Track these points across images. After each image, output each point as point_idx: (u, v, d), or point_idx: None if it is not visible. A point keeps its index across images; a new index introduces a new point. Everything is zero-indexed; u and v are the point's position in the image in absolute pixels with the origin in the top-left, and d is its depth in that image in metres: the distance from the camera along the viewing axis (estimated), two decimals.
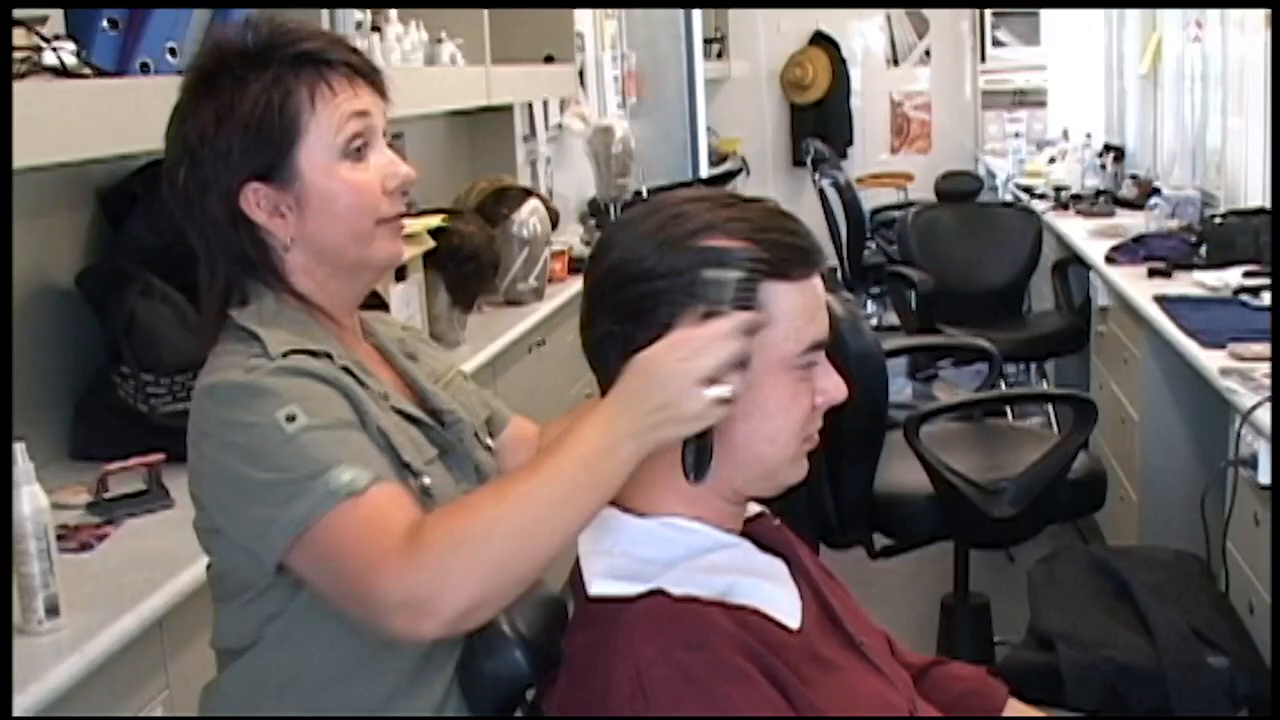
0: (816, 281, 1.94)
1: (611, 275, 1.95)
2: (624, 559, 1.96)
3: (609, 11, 9.18)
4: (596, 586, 1.95)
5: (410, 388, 2.26)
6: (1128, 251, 6.26)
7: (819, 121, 13.04)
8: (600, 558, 1.98)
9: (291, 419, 1.91)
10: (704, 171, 10.44)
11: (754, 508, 2.13)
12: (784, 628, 1.91)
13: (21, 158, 2.68)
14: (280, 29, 2.11)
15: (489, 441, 2.36)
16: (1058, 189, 8.78)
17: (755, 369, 1.88)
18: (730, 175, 10.65)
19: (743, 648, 1.83)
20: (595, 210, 7.70)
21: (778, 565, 2.02)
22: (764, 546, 2.07)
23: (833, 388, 1.95)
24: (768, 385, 1.91)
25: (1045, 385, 8.10)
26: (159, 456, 3.11)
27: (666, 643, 1.82)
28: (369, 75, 2.17)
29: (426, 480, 2.07)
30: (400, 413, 2.13)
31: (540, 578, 2.12)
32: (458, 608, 1.80)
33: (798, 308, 1.90)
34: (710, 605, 1.87)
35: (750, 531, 2.08)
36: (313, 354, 2.02)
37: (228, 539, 2.01)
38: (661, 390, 1.80)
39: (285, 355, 1.99)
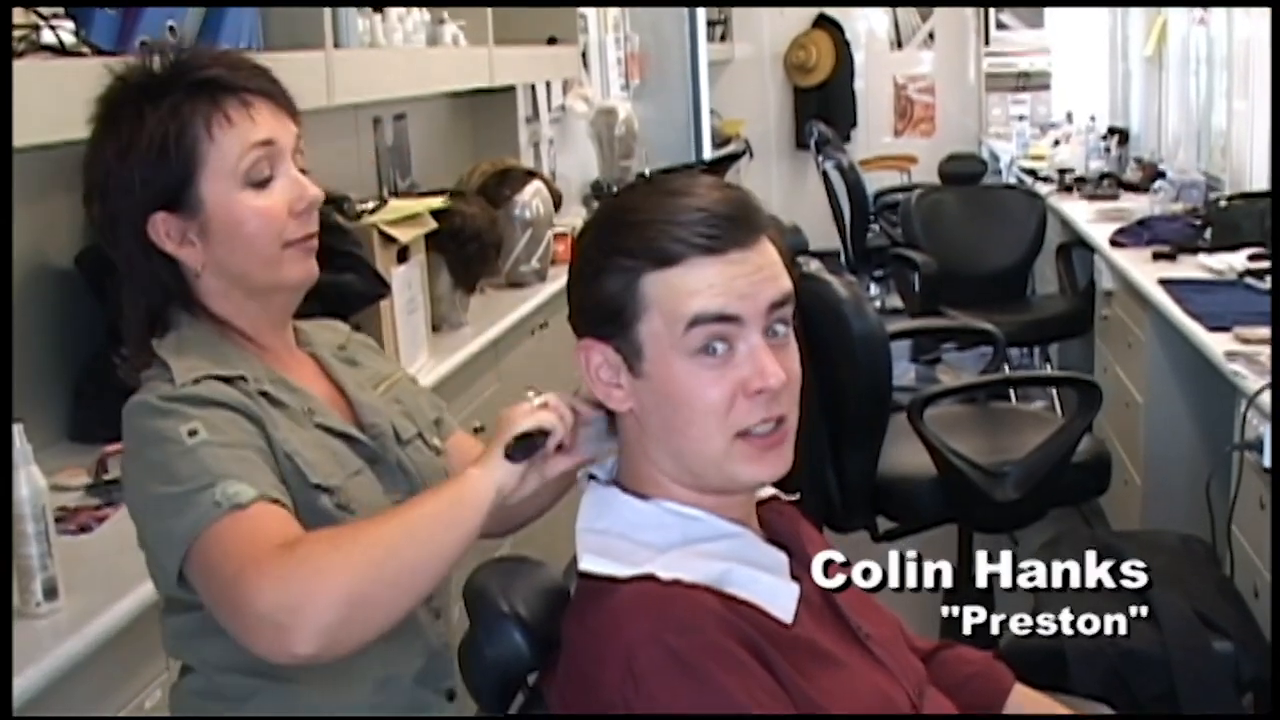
0: (707, 260, 1.89)
1: (569, 273, 2.04)
2: (619, 540, 1.96)
3: None
4: (586, 562, 1.95)
5: (345, 397, 2.26)
6: (1132, 235, 6.25)
7: (822, 104, 13.03)
8: (595, 536, 1.98)
9: (193, 433, 1.95)
10: (707, 154, 10.42)
11: (767, 490, 2.12)
12: (778, 622, 1.90)
13: (21, 137, 2.67)
14: (182, 57, 2.11)
15: (436, 443, 2.35)
16: (1062, 172, 8.76)
17: (649, 359, 1.92)
18: (733, 158, 10.61)
19: (735, 633, 1.82)
20: (598, 192, 7.69)
21: (778, 557, 1.99)
22: (771, 535, 2.05)
23: (752, 373, 1.89)
24: (663, 373, 1.92)
25: (1049, 369, 8.08)
26: None
27: (657, 626, 1.81)
28: (275, 98, 2.14)
29: (343, 497, 2.08)
30: (324, 427, 2.14)
31: (542, 560, 2.11)
32: (320, 626, 1.82)
33: (672, 291, 1.88)
34: (702, 590, 1.86)
35: (760, 515, 2.06)
36: (225, 379, 2.05)
37: (149, 552, 2.05)
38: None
39: (195, 382, 2.01)
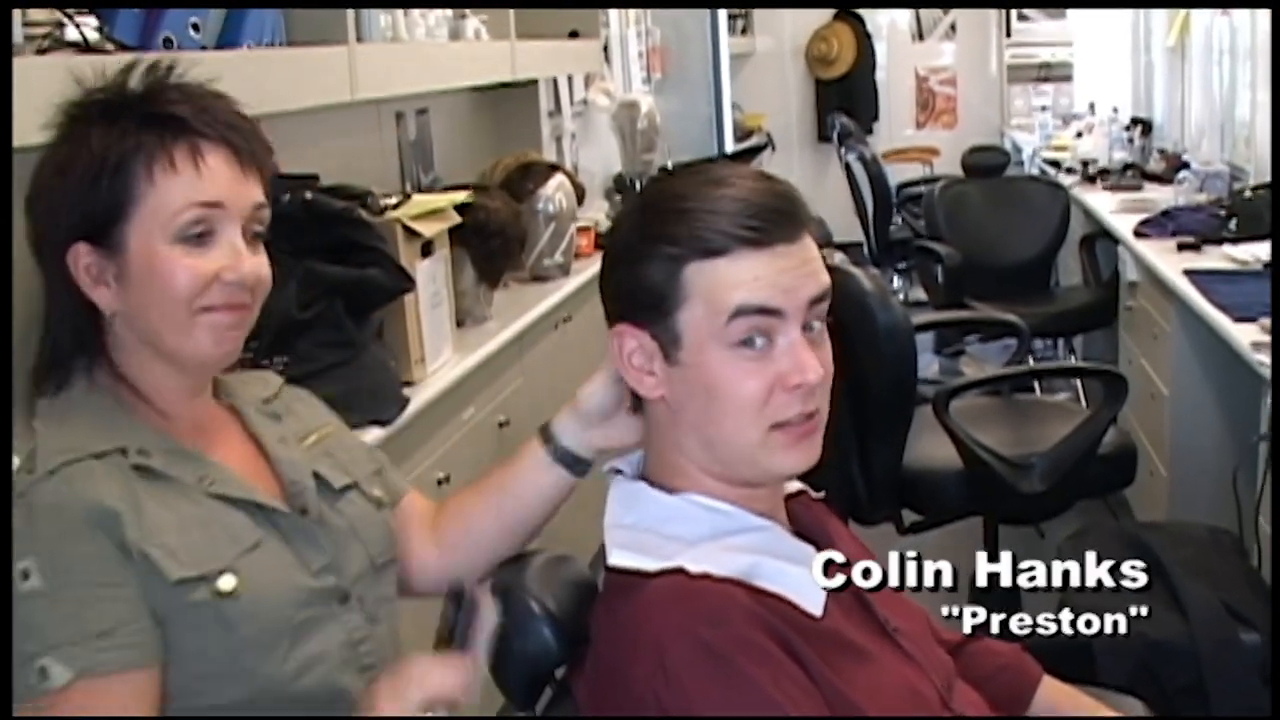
0: (754, 253, 1.89)
1: (606, 257, 2.05)
2: (647, 534, 1.97)
3: None
4: (615, 557, 1.96)
5: (265, 454, 2.12)
6: (1156, 226, 6.23)
7: (844, 96, 13.00)
8: (623, 531, 1.99)
9: (26, 575, 1.80)
10: (729, 147, 10.41)
11: (795, 484, 2.12)
12: (807, 615, 1.90)
13: (45, 135, 2.66)
14: (158, 83, 1.99)
15: (377, 493, 2.23)
16: (1085, 163, 8.73)
17: (687, 348, 1.93)
18: (755, 151, 10.61)
19: (764, 626, 1.83)
20: (621, 186, 7.68)
21: (806, 550, 1.99)
22: (799, 529, 2.05)
23: (791, 368, 1.90)
24: (701, 363, 1.92)
25: (1073, 360, 8.06)
26: None
27: (687, 619, 1.82)
28: (241, 154, 1.99)
29: (227, 582, 1.90)
30: (221, 497, 1.97)
31: (569, 554, 2.11)
32: None
33: (716, 281, 1.89)
34: (731, 584, 1.87)
35: (789, 509, 2.06)
36: (98, 456, 1.89)
37: None
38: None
39: (54, 471, 1.85)
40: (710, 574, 1.87)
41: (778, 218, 1.89)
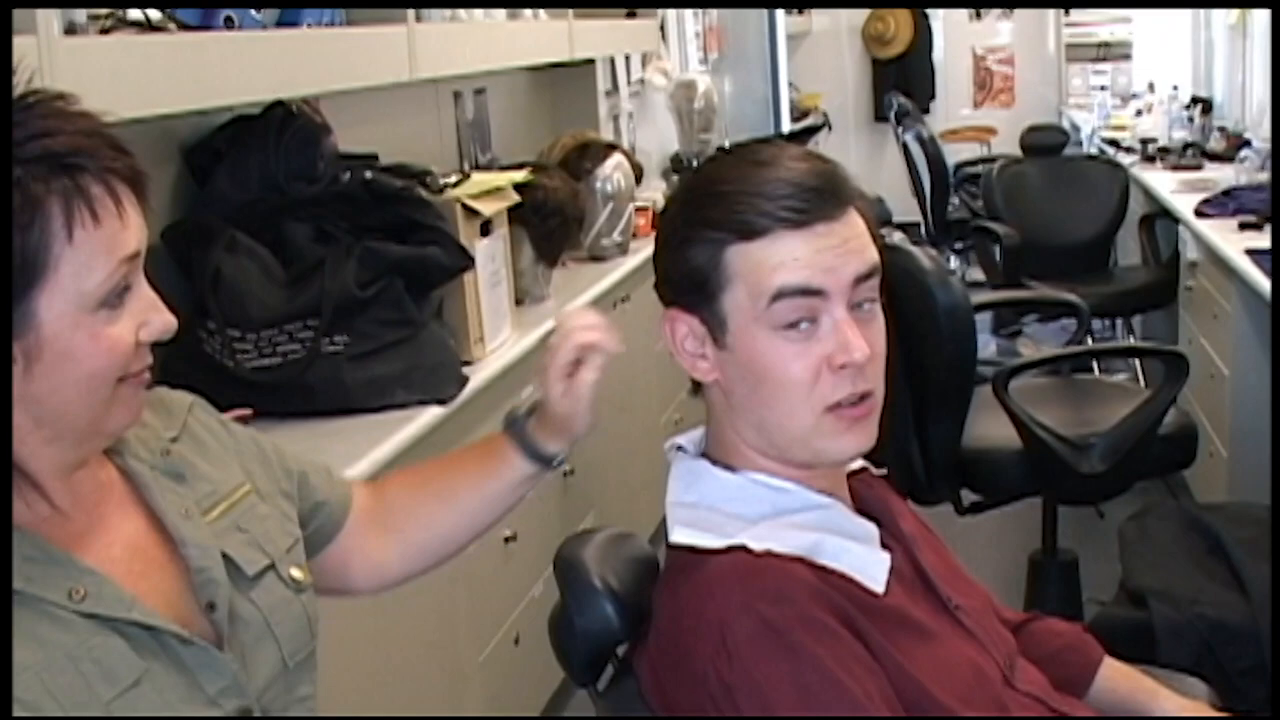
0: (793, 233, 1.87)
1: (655, 241, 2.04)
2: (709, 512, 1.97)
3: None
4: (677, 534, 1.96)
5: (164, 532, 1.79)
6: (1217, 205, 6.18)
7: (901, 76, 12.97)
8: (685, 509, 1.99)
9: None
10: (786, 126, 10.40)
11: (857, 462, 2.11)
12: (869, 592, 1.90)
13: (105, 113, 2.67)
14: (43, 104, 1.59)
15: (295, 574, 1.90)
16: (1144, 142, 8.69)
17: (733, 331, 1.92)
18: (812, 130, 10.60)
19: (827, 603, 1.82)
20: (678, 165, 7.68)
21: (868, 528, 1.99)
22: (861, 506, 2.05)
23: (836, 348, 1.88)
24: (747, 347, 1.92)
25: (1131, 340, 8.03)
26: (246, 411, 3.10)
27: (750, 597, 1.81)
28: (138, 185, 1.64)
29: None
30: (93, 616, 1.61)
31: (632, 530, 2.11)
32: None
33: (756, 263, 1.88)
34: (793, 561, 1.86)
35: (851, 486, 2.06)
36: None
37: None
38: None
39: None
40: (773, 551, 1.87)
41: (816, 196, 1.87)
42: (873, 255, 1.91)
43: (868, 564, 1.92)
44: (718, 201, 1.92)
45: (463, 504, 2.22)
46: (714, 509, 1.97)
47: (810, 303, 1.88)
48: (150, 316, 1.65)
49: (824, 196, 1.88)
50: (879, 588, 1.91)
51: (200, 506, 1.83)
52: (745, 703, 1.77)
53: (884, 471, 2.19)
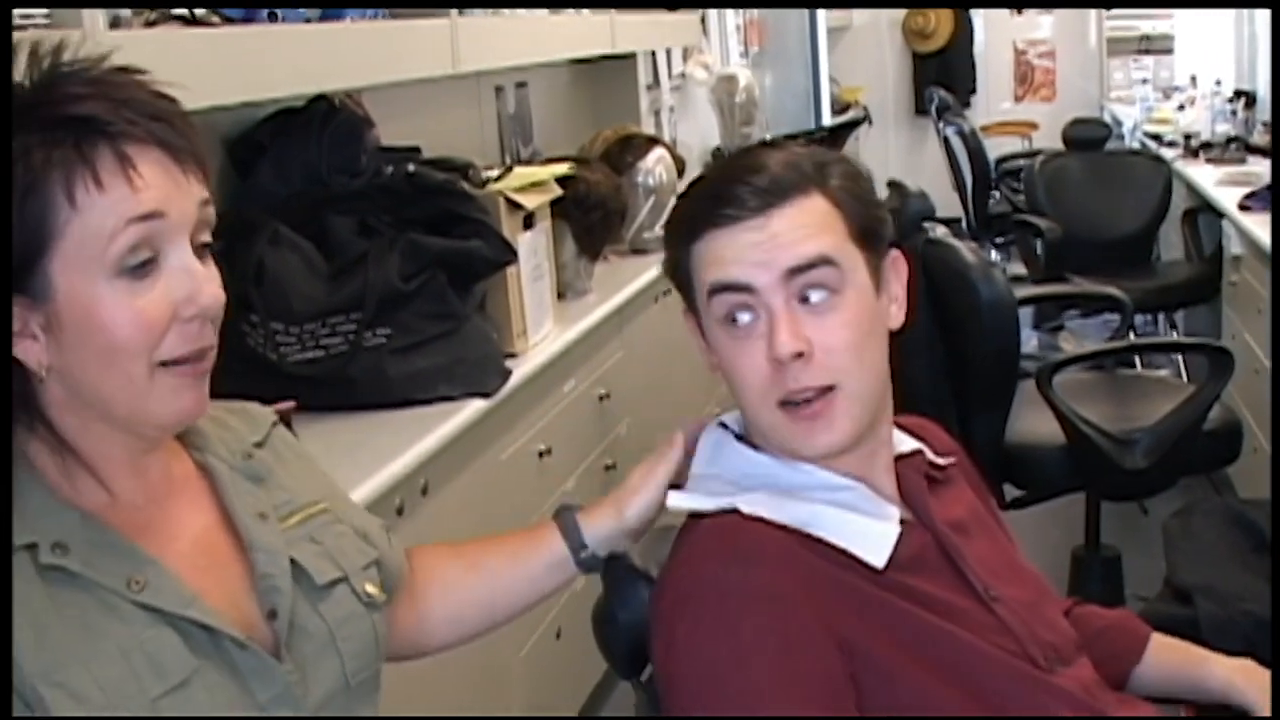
0: (720, 232, 1.91)
1: None
2: (717, 481, 1.99)
3: None
4: (673, 499, 2.02)
5: (235, 531, 1.76)
6: (1261, 199, 6.14)
7: (941, 70, 12.93)
8: (702, 480, 2.02)
9: None
10: (826, 120, 10.38)
11: (909, 444, 2.10)
12: (868, 566, 1.88)
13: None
14: (52, 74, 1.58)
15: (370, 590, 1.85)
16: (1187, 136, 8.63)
17: (706, 331, 1.99)
18: (853, 125, 10.57)
19: (806, 573, 1.83)
20: (719, 159, 7.67)
21: (887, 510, 1.97)
22: (904, 490, 2.03)
23: (770, 342, 1.88)
24: (715, 347, 1.97)
25: (1174, 335, 8.00)
26: (289, 404, 3.10)
27: (717, 555, 1.85)
28: (174, 150, 1.59)
29: None
30: (150, 608, 1.57)
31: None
32: None
33: (699, 264, 1.94)
34: (781, 530, 1.87)
35: (898, 470, 2.04)
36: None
37: None
38: None
39: None
40: (763, 518, 1.88)
41: (749, 194, 1.90)
42: (810, 248, 1.89)
43: (868, 538, 1.90)
44: (678, 209, 2.01)
45: (492, 574, 2.14)
46: (723, 479, 1.99)
47: (743, 298, 1.90)
48: (190, 291, 1.59)
49: (756, 192, 1.90)
50: (875, 561, 1.88)
51: (277, 512, 1.80)
52: (672, 654, 1.82)
53: (951, 460, 2.16)
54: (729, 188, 1.91)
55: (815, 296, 1.90)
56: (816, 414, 1.90)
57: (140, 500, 1.66)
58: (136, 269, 1.55)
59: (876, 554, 1.89)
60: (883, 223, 2.00)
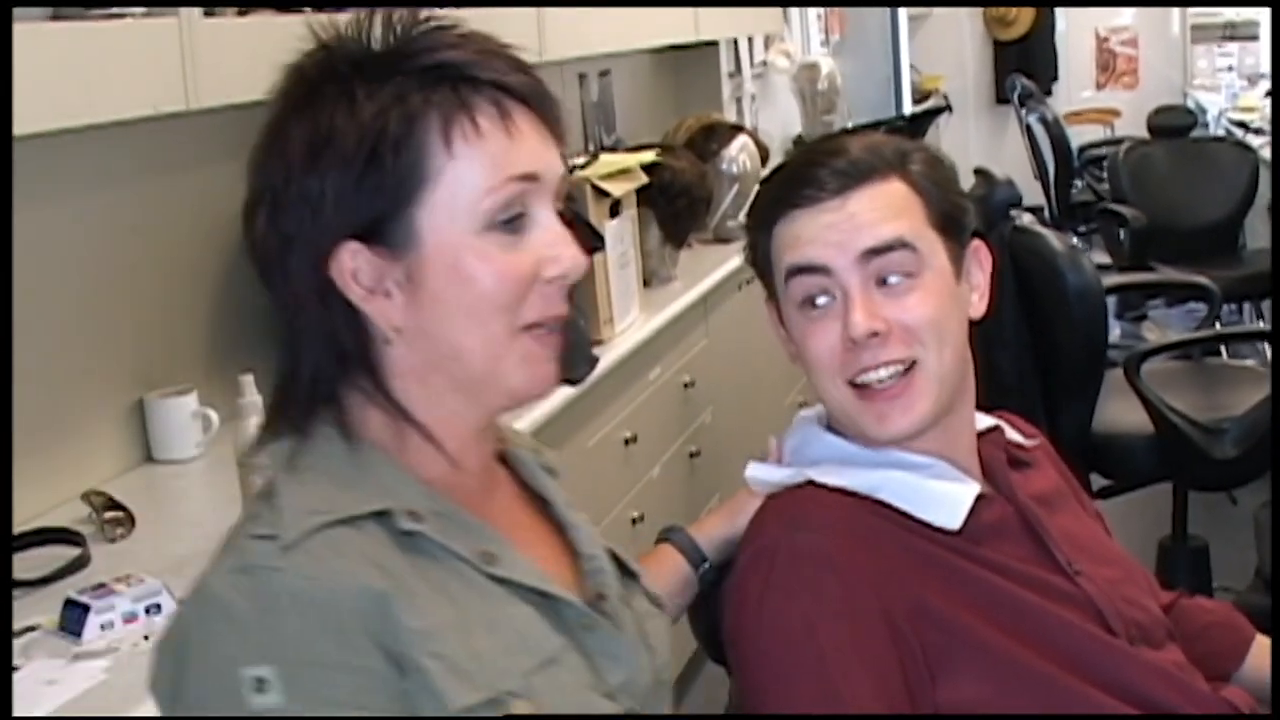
0: (799, 213, 1.91)
1: None
2: (802, 463, 2.00)
3: None
4: (750, 469, 2.03)
5: (551, 525, 1.67)
6: None
7: (1022, 58, 12.84)
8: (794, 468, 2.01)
9: (261, 685, 1.31)
10: (907, 109, 10.35)
11: (987, 422, 2.09)
12: (940, 531, 1.88)
13: (243, 93, 2.70)
14: (420, 28, 1.50)
15: (653, 590, 1.75)
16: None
17: (785, 315, 1.98)
18: (934, 113, 10.53)
19: (870, 537, 1.84)
20: (800, 147, 7.66)
21: (966, 479, 1.95)
22: (985, 467, 2.02)
23: (846, 323, 1.86)
24: (793, 330, 1.97)
25: (1261, 324, 7.93)
26: None
27: (782, 521, 1.87)
28: (545, 110, 1.52)
29: (517, 709, 1.41)
30: (505, 581, 1.49)
31: None
32: None
33: (777, 248, 1.94)
34: (852, 496, 1.88)
35: (980, 448, 2.04)
36: (351, 521, 1.41)
37: None
38: None
39: (292, 545, 1.36)
40: (828, 485, 1.90)
41: (824, 175, 1.90)
42: (890, 230, 1.88)
43: (941, 503, 1.90)
44: (760, 194, 2.01)
45: None
46: (808, 462, 1.99)
47: (819, 280, 1.89)
48: (554, 253, 1.49)
49: (836, 175, 1.90)
50: (951, 523, 1.88)
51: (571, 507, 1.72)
52: (741, 618, 1.85)
53: (1036, 442, 2.15)
54: (809, 170, 1.91)
55: (893, 279, 1.89)
56: (894, 395, 1.89)
57: (475, 475, 1.57)
58: (506, 224, 1.46)
59: (950, 517, 1.89)
60: (964, 211, 1.99)
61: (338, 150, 1.42)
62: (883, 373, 1.88)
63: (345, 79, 1.45)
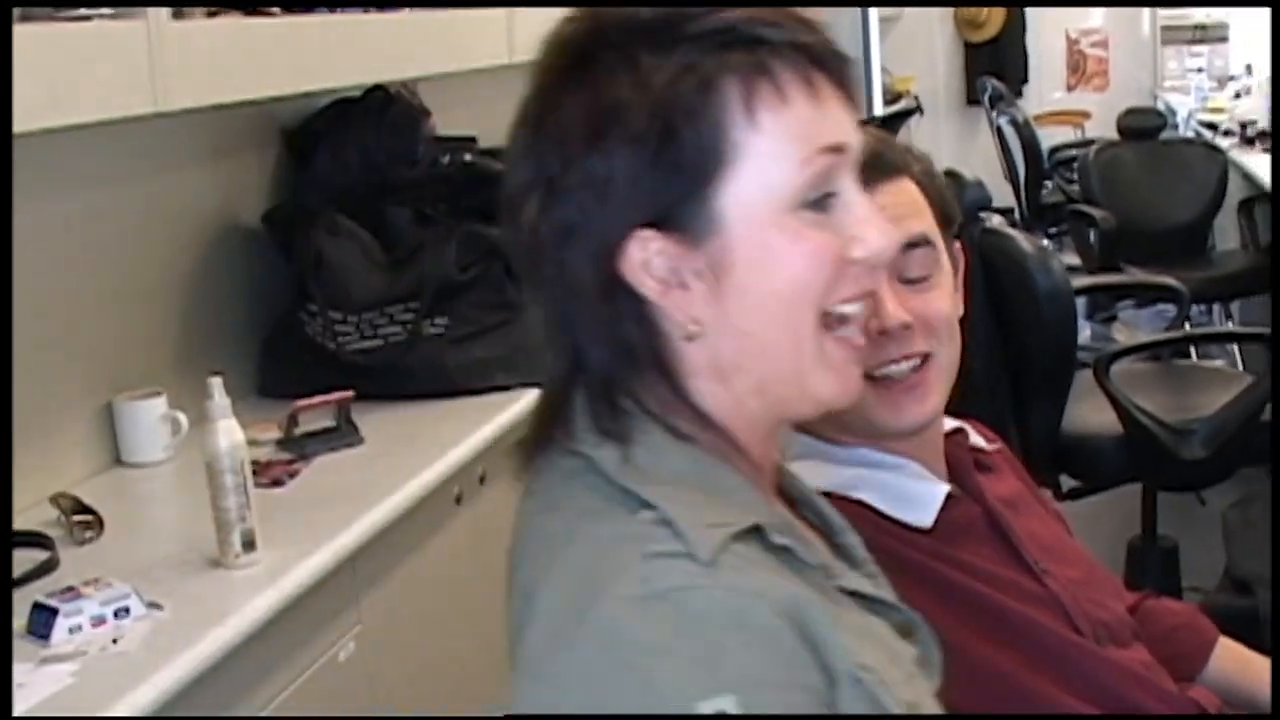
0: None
1: None
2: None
3: None
4: None
5: (820, 530, 1.53)
6: None
7: (993, 59, 12.85)
8: None
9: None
10: (878, 110, 10.36)
11: (951, 423, 2.09)
12: (911, 529, 1.89)
13: (211, 96, 2.69)
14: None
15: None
16: (1244, 125, 8.57)
17: None
18: (904, 115, 10.54)
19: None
20: None
21: (932, 483, 1.97)
22: (952, 470, 2.03)
23: (872, 313, 1.75)
24: None
25: (1229, 326, 7.96)
26: (348, 394, 3.12)
27: None
28: (843, 78, 1.36)
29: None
30: (856, 595, 1.39)
31: None
32: None
33: None
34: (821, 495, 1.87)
35: (947, 449, 2.04)
36: (738, 535, 1.27)
37: None
38: None
39: (711, 561, 1.22)
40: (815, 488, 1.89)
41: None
42: (916, 226, 1.90)
43: (913, 502, 1.92)
44: None
45: None
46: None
47: None
48: (862, 230, 1.35)
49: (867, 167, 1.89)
50: (923, 522, 1.90)
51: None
52: None
53: (997, 446, 2.16)
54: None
55: (914, 275, 1.91)
56: (910, 387, 1.91)
57: (770, 482, 1.47)
58: (816, 202, 1.32)
59: (922, 516, 1.91)
60: (958, 213, 2.02)
61: (627, 126, 1.28)
62: (904, 365, 1.89)
63: (624, 46, 1.30)
